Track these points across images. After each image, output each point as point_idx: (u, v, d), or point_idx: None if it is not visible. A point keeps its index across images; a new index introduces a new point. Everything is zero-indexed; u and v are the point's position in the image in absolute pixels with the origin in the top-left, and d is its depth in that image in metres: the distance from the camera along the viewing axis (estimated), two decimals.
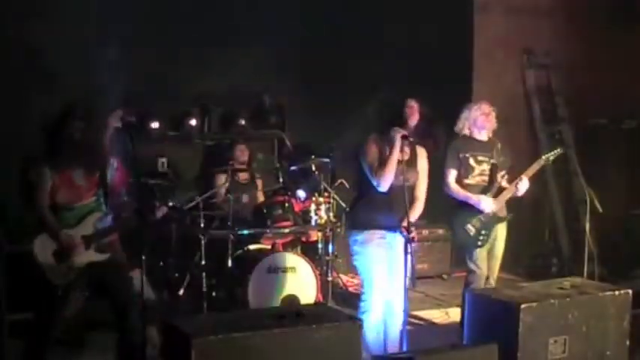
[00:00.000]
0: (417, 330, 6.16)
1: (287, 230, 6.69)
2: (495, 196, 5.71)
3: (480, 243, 5.69)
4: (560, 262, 8.42)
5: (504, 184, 5.76)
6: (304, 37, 7.85)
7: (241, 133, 7.74)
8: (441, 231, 8.00)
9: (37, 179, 4.70)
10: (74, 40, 7.01)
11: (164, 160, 7.59)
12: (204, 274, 6.29)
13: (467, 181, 5.72)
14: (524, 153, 7.98)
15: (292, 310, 4.09)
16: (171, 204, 5.05)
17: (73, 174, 4.71)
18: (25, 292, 4.87)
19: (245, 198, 6.95)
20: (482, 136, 5.78)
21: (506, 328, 4.30)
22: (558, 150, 5.94)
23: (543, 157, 5.87)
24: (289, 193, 6.86)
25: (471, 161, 5.71)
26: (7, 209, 5.99)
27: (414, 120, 5.02)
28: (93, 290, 5.69)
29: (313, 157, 6.97)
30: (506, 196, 5.71)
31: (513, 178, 5.74)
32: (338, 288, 7.31)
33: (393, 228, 4.95)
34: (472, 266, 5.73)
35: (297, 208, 6.82)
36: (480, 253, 5.72)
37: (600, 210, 6.50)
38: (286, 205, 6.70)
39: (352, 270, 7.69)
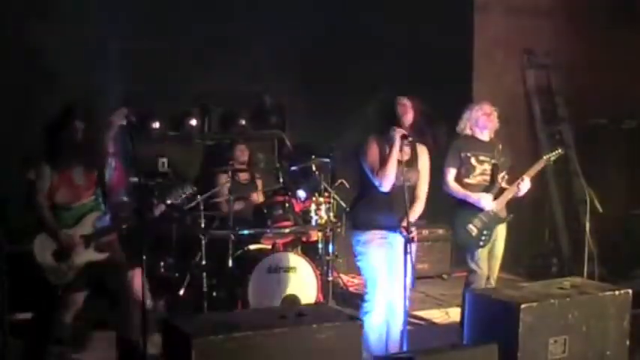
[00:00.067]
0: (417, 330, 6.16)
1: (287, 230, 6.69)
2: (496, 196, 5.71)
3: (481, 243, 5.69)
4: (561, 262, 8.42)
5: (504, 185, 5.76)
6: (304, 37, 7.85)
7: (241, 133, 7.74)
8: (441, 231, 8.00)
9: (36, 178, 4.70)
10: (74, 40, 7.02)
11: (164, 160, 7.59)
12: (204, 274, 6.29)
13: (468, 180, 5.72)
14: (525, 153, 7.99)
15: (293, 310, 4.09)
16: (169, 202, 5.05)
17: (72, 174, 4.72)
18: (26, 292, 4.88)
19: (240, 204, 6.94)
20: (484, 136, 5.79)
21: (507, 328, 4.30)
22: (559, 150, 5.95)
23: (544, 158, 5.88)
24: (289, 193, 6.86)
25: (473, 160, 5.71)
26: (7, 209, 6.00)
27: (408, 118, 5.01)
28: (92, 290, 5.70)
29: (313, 157, 6.97)
30: (507, 196, 5.72)
31: (514, 179, 5.74)
32: (338, 288, 7.31)
33: (393, 228, 4.95)
34: (473, 266, 5.73)
35: (297, 208, 6.82)
36: (481, 253, 5.72)
37: (600, 210, 6.51)
38: (286, 205, 6.70)
39: (352, 270, 7.71)
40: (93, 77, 7.05)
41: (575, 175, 8.33)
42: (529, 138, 8.87)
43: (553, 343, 4.38)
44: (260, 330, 3.73)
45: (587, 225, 6.50)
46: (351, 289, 7.53)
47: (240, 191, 7.13)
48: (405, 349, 4.88)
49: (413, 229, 4.94)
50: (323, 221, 6.76)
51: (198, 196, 6.45)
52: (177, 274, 6.83)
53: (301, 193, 7.01)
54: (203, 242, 6.32)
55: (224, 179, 6.89)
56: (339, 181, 7.14)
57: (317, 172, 6.96)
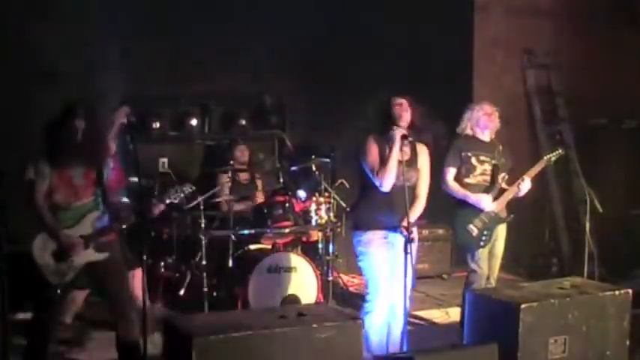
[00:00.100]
0: (417, 330, 6.16)
1: (287, 230, 6.69)
2: (496, 197, 5.71)
3: (482, 243, 5.69)
4: (561, 262, 8.43)
5: (504, 185, 5.76)
6: (304, 37, 7.85)
7: (242, 133, 7.75)
8: (441, 231, 8.00)
9: (35, 178, 4.70)
10: (74, 40, 7.03)
11: (165, 160, 7.60)
12: (204, 274, 6.29)
13: (468, 180, 5.73)
14: (525, 153, 8.00)
15: (293, 310, 4.09)
16: (167, 201, 5.04)
17: (71, 173, 4.71)
18: (26, 292, 4.88)
19: (240, 204, 6.94)
20: (485, 136, 5.79)
21: (507, 327, 4.30)
22: (560, 151, 5.95)
23: (545, 158, 5.88)
24: (290, 193, 6.86)
25: (473, 160, 5.72)
26: (7, 209, 6.00)
27: (406, 117, 5.00)
28: (92, 290, 5.70)
29: (313, 157, 6.98)
30: (508, 196, 5.72)
31: (513, 179, 5.74)
32: (338, 288, 7.32)
33: (394, 228, 4.95)
34: (474, 266, 5.73)
35: (297, 208, 6.82)
36: (482, 253, 5.73)
37: (600, 210, 6.51)
38: (287, 205, 6.71)
39: (353, 270, 7.72)
40: (93, 77, 7.06)
41: (575, 175, 8.33)
42: (529, 138, 8.88)
43: (553, 342, 4.38)
44: (260, 330, 3.73)
45: (587, 225, 6.50)
46: (351, 289, 7.53)
47: (241, 191, 7.13)
48: (405, 349, 4.88)
49: (414, 229, 4.96)
50: (323, 221, 6.77)
51: (199, 197, 6.47)
52: (177, 274, 6.83)
53: (301, 193, 7.01)
54: (203, 242, 6.32)
55: (224, 179, 6.89)
56: (339, 181, 7.15)
57: (317, 172, 6.97)
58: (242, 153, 7.31)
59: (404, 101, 5.04)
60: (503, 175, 5.76)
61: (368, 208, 5.08)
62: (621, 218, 8.13)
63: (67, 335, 5.88)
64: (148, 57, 7.41)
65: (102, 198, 4.81)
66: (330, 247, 6.94)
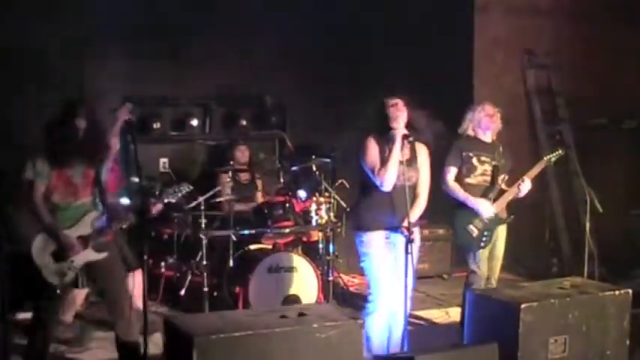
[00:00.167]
0: (417, 330, 6.17)
1: (288, 230, 6.70)
2: (496, 198, 5.72)
3: (482, 244, 5.70)
4: (561, 262, 8.43)
5: (504, 186, 5.77)
6: (304, 37, 7.86)
7: (242, 133, 7.75)
8: (441, 231, 8.00)
9: (34, 177, 4.70)
10: (74, 40, 7.03)
11: (165, 160, 7.61)
12: (205, 274, 6.30)
13: (468, 180, 5.73)
14: (525, 153, 8.00)
15: (294, 310, 4.09)
16: (166, 200, 5.05)
17: (70, 173, 4.71)
18: (27, 292, 4.89)
19: (241, 205, 6.95)
20: (487, 137, 5.80)
21: (507, 327, 4.31)
22: (560, 151, 5.95)
23: (545, 159, 5.89)
24: (290, 193, 6.87)
25: (474, 160, 5.72)
26: (7, 209, 6.01)
27: (402, 118, 5.01)
28: (92, 290, 5.71)
29: (314, 157, 6.98)
30: (508, 197, 5.73)
31: (514, 180, 5.75)
32: (339, 288, 7.32)
33: (395, 228, 4.96)
34: (474, 267, 5.74)
35: (297, 208, 6.83)
36: (482, 254, 5.73)
37: (600, 210, 6.52)
38: (287, 205, 6.71)
39: (353, 270, 7.74)
40: (93, 77, 7.06)
41: (575, 175, 8.34)
42: (529, 138, 8.88)
43: (553, 342, 4.38)
44: (261, 330, 3.74)
45: (587, 225, 6.51)
46: (351, 289, 7.54)
47: (241, 191, 7.14)
48: (405, 348, 4.89)
49: (416, 228, 4.96)
50: (323, 221, 6.77)
51: (199, 197, 6.48)
52: (178, 274, 6.84)
53: (302, 193, 7.02)
54: (204, 242, 6.33)
55: (225, 179, 6.89)
56: (340, 181, 7.15)
57: (317, 172, 6.97)
58: (242, 153, 7.31)
59: (399, 101, 5.04)
60: (503, 176, 5.77)
61: (369, 208, 5.08)
62: (621, 218, 8.14)
63: (68, 335, 5.88)
64: (148, 57, 7.41)
65: (100, 198, 4.82)
66: (331, 247, 6.94)
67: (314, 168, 6.98)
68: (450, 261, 8.15)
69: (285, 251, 6.54)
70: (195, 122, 7.70)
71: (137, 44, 7.36)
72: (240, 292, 6.27)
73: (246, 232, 6.55)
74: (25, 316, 5.80)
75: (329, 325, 3.86)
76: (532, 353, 4.30)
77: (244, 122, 7.84)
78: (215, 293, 6.50)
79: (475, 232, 5.68)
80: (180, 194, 5.12)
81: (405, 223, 4.83)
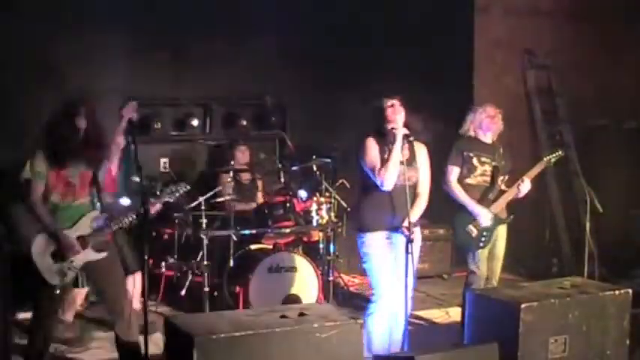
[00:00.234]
0: (417, 329, 6.18)
1: (288, 230, 6.71)
2: (496, 198, 5.72)
3: (481, 244, 5.70)
4: (561, 262, 8.43)
5: (504, 187, 5.77)
6: (304, 37, 7.86)
7: (243, 133, 7.76)
8: (441, 231, 8.00)
9: (32, 177, 4.70)
10: (74, 40, 7.03)
11: (166, 160, 7.62)
12: (206, 273, 6.31)
13: (468, 180, 5.74)
14: (525, 153, 8.01)
15: (294, 309, 4.10)
16: (164, 200, 5.05)
17: (69, 172, 4.71)
18: (27, 292, 4.89)
19: (242, 204, 6.96)
20: (487, 138, 5.80)
21: (507, 327, 4.31)
22: (559, 152, 5.95)
23: (545, 159, 5.89)
24: (291, 193, 6.87)
25: (475, 161, 5.73)
26: (7, 208, 6.02)
27: (399, 118, 5.01)
28: (91, 289, 5.71)
29: (314, 157, 6.99)
30: (507, 197, 5.73)
31: (513, 180, 5.75)
32: (339, 288, 7.33)
33: (396, 228, 4.97)
34: (473, 267, 5.74)
35: (298, 208, 6.83)
36: (481, 254, 5.73)
37: (600, 210, 6.52)
38: (288, 205, 6.72)
39: (353, 270, 7.75)
40: (93, 77, 7.06)
41: (575, 175, 8.34)
42: (529, 138, 8.89)
43: (553, 342, 4.39)
44: (261, 330, 3.74)
45: (587, 225, 6.51)
46: (351, 288, 7.55)
47: (242, 191, 7.15)
48: (405, 348, 4.89)
49: (417, 228, 4.96)
50: (324, 221, 6.78)
51: (200, 197, 6.49)
52: (178, 274, 6.84)
53: (302, 193, 7.02)
54: (204, 242, 6.33)
55: (226, 179, 6.90)
56: (340, 181, 7.16)
57: (318, 172, 6.98)
58: (243, 153, 7.32)
59: (395, 102, 5.04)
60: (502, 177, 5.77)
61: (369, 209, 5.08)
62: (621, 218, 8.14)
63: (68, 335, 5.89)
64: (148, 57, 7.41)
65: (98, 198, 4.82)
66: (331, 247, 6.95)
67: (314, 168, 6.98)
68: (450, 261, 8.15)
69: (285, 251, 6.55)
70: (195, 122, 7.71)
71: (137, 44, 7.36)
72: (240, 292, 6.28)
73: (246, 232, 6.55)
74: (25, 316, 5.81)
75: (329, 325, 3.86)
76: (532, 353, 4.31)
77: (245, 122, 7.85)
78: (215, 293, 6.50)
79: (474, 232, 5.69)
80: (178, 194, 5.12)
81: (406, 223, 4.84)
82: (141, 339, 4.67)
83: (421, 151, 5.17)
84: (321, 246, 6.93)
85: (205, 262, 6.32)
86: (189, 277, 6.70)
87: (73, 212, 4.75)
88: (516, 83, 9.02)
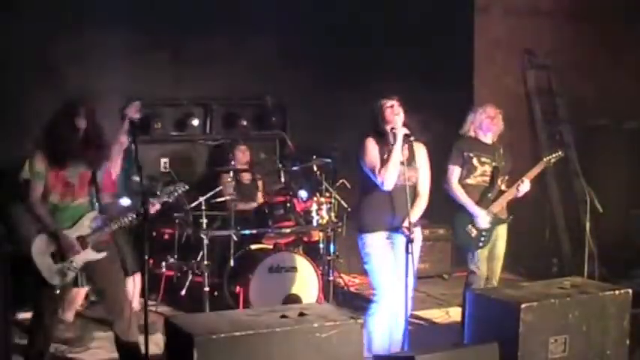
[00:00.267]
0: (418, 329, 6.18)
1: (289, 230, 6.71)
2: (495, 198, 5.73)
3: (481, 244, 5.71)
4: (561, 262, 8.43)
5: (504, 187, 5.78)
6: (304, 37, 7.87)
7: (243, 133, 7.76)
8: (441, 231, 8.00)
9: (31, 177, 4.71)
10: (74, 40, 7.04)
11: (166, 160, 7.62)
12: (206, 273, 6.31)
13: (468, 180, 5.74)
14: (525, 153, 8.01)
15: (294, 309, 4.10)
16: (163, 200, 5.05)
17: (68, 173, 4.71)
18: (28, 291, 4.90)
19: (243, 204, 6.97)
20: (487, 138, 5.80)
21: (507, 327, 4.31)
22: (559, 153, 5.95)
23: (544, 160, 5.89)
24: (291, 193, 6.88)
25: (475, 161, 5.73)
26: (8, 209, 6.02)
27: (398, 119, 5.01)
28: (91, 289, 5.70)
29: (315, 157, 6.99)
30: (507, 197, 5.73)
31: (513, 181, 5.76)
32: (339, 288, 7.33)
33: (397, 228, 4.97)
34: (473, 267, 5.75)
35: (298, 208, 6.83)
36: (481, 254, 5.74)
37: (600, 210, 6.53)
38: (288, 205, 6.72)
39: (354, 270, 7.76)
40: (93, 77, 7.07)
41: (576, 175, 8.34)
42: (529, 138, 8.89)
43: (553, 342, 4.39)
44: (262, 329, 3.74)
45: (587, 225, 6.52)
46: (352, 288, 7.55)
47: (243, 191, 7.15)
48: (406, 348, 4.90)
49: (417, 228, 4.96)
50: (324, 221, 6.78)
51: (200, 197, 6.49)
52: (179, 274, 6.85)
53: (303, 193, 7.02)
54: (205, 242, 6.33)
55: (227, 179, 6.90)
56: (341, 181, 7.16)
57: (318, 172, 6.98)
58: (243, 153, 7.32)
59: (394, 103, 5.04)
60: (502, 177, 5.77)
61: (369, 209, 5.08)
62: (621, 218, 8.14)
63: (69, 335, 5.90)
64: (148, 57, 7.42)
65: (96, 198, 4.82)
66: (331, 247, 6.95)
67: (315, 168, 6.99)
68: (450, 261, 8.15)
69: (286, 251, 6.55)
70: (195, 122, 7.71)
71: (137, 44, 7.37)
72: (240, 292, 6.28)
73: (247, 231, 6.55)
74: (26, 316, 5.81)
75: (329, 324, 3.86)
76: (532, 353, 4.31)
77: (245, 122, 7.85)
78: (216, 293, 6.51)
79: (474, 232, 5.69)
80: (176, 193, 5.12)
81: (406, 223, 4.84)
82: (140, 339, 4.67)
83: (420, 152, 5.17)
84: (321, 246, 6.93)
85: (206, 262, 6.32)
86: (190, 277, 6.71)
87: (73, 212, 4.75)
88: (516, 83, 9.02)
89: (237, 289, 6.34)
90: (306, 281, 6.38)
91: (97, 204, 4.82)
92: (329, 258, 6.92)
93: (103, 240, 4.83)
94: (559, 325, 4.41)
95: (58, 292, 4.73)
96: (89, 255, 4.75)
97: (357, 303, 6.81)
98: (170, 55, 7.55)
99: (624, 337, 4.66)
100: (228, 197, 6.68)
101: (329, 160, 6.98)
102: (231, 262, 6.45)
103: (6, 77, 6.78)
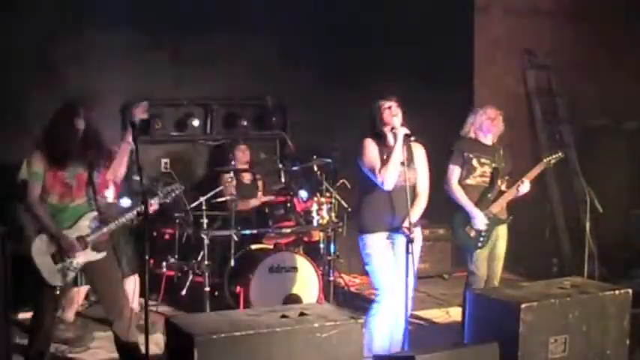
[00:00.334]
0: (418, 329, 6.19)
1: (289, 230, 6.71)
2: (495, 199, 5.73)
3: (480, 244, 5.71)
4: (561, 262, 8.44)
5: (504, 188, 5.78)
6: (304, 37, 7.87)
7: (244, 133, 7.76)
8: (441, 231, 8.00)
9: (29, 178, 4.71)
10: (74, 40, 7.04)
11: (167, 160, 7.62)
12: (206, 273, 6.31)
13: (467, 181, 5.74)
14: (525, 153, 8.01)
15: (295, 309, 4.10)
16: (160, 201, 5.05)
17: (66, 174, 4.71)
18: (29, 291, 4.90)
19: (244, 204, 6.97)
20: (487, 140, 5.81)
21: (507, 327, 4.31)
22: (559, 154, 5.95)
23: (544, 161, 5.89)
24: (291, 193, 6.88)
25: (474, 162, 5.73)
26: (8, 209, 6.02)
27: (398, 120, 5.00)
28: (90, 289, 5.70)
29: (315, 157, 6.99)
30: (507, 198, 5.74)
31: (513, 182, 5.76)
32: (340, 288, 7.34)
33: (397, 229, 4.97)
34: (472, 268, 5.75)
35: (299, 208, 6.83)
36: (480, 255, 5.74)
37: (600, 210, 6.53)
38: (288, 205, 6.73)
39: (354, 270, 7.76)
40: (93, 77, 7.07)
41: (576, 175, 8.34)
42: (529, 138, 8.89)
43: (553, 342, 4.39)
44: (262, 329, 3.74)
45: (587, 225, 6.52)
46: (352, 289, 7.55)
47: (244, 191, 7.15)
48: (406, 348, 4.90)
49: (417, 228, 4.96)
50: (324, 221, 6.78)
51: (201, 197, 6.49)
52: (179, 274, 6.85)
53: (303, 193, 7.03)
54: (205, 242, 6.34)
55: (227, 179, 6.91)
56: (341, 181, 7.16)
57: (318, 173, 6.98)
58: (243, 152, 7.32)
59: (392, 104, 5.05)
60: (502, 179, 5.78)
61: (370, 210, 5.09)
62: (621, 218, 8.14)
63: (69, 334, 5.90)
64: (149, 57, 7.42)
65: (93, 199, 4.82)
66: (332, 247, 6.95)
67: (315, 168, 6.99)
68: (450, 261, 8.16)
69: (286, 251, 6.56)
70: (196, 122, 7.71)
71: (137, 44, 7.37)
72: (241, 292, 6.28)
73: (247, 232, 6.55)
74: (26, 316, 5.82)
75: (329, 324, 3.86)
76: (532, 353, 4.31)
77: (245, 122, 7.85)
78: (216, 293, 6.52)
79: (473, 233, 5.70)
80: (173, 194, 5.12)
81: (406, 224, 4.84)
82: (140, 339, 4.68)
83: (418, 152, 5.17)
84: (321, 246, 6.93)
85: (206, 262, 6.33)
86: (190, 277, 6.71)
87: (72, 213, 4.76)
88: (516, 83, 9.02)
89: (238, 289, 6.34)
90: (306, 281, 6.38)
91: (94, 205, 4.82)
92: (329, 258, 6.92)
93: (102, 240, 4.83)
94: (559, 325, 4.41)
95: (57, 292, 4.74)
96: (89, 255, 4.76)
97: (358, 303, 6.82)
98: (170, 55, 7.55)
99: (624, 337, 4.66)
100: (228, 197, 6.68)
101: (329, 160, 6.98)
102: (232, 262, 6.45)
103: (6, 77, 6.78)
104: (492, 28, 8.81)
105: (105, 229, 4.81)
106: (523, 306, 4.29)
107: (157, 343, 5.30)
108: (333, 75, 7.90)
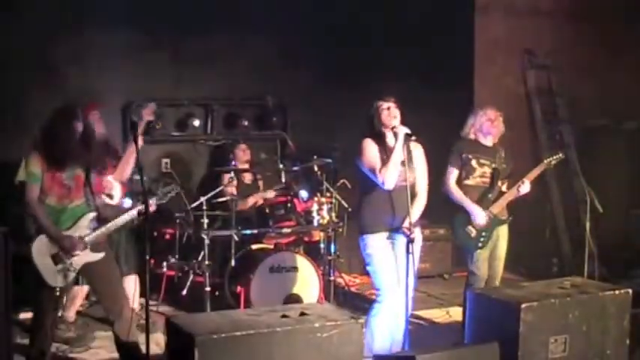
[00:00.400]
0: (418, 329, 6.19)
1: (289, 230, 6.72)
2: (496, 199, 5.73)
3: (480, 245, 5.71)
4: (561, 262, 8.44)
5: (504, 189, 5.78)
6: (304, 37, 7.87)
7: (244, 133, 7.77)
8: (442, 231, 8.00)
9: (27, 179, 4.71)
10: (74, 40, 7.04)
11: (167, 160, 7.62)
12: (207, 273, 6.32)
13: (467, 181, 5.75)
14: (525, 153, 8.02)
15: (295, 309, 4.10)
16: (157, 202, 5.05)
17: (64, 175, 4.71)
18: (29, 291, 4.90)
19: (244, 204, 6.97)
20: (488, 141, 5.81)
21: (507, 327, 4.32)
22: (560, 155, 5.95)
23: (545, 161, 5.89)
24: (292, 193, 6.88)
25: (473, 162, 5.73)
26: (9, 209, 6.02)
27: (397, 121, 5.01)
28: (90, 289, 5.70)
29: (315, 157, 6.99)
30: (507, 198, 5.74)
31: (514, 182, 5.76)
32: (340, 288, 7.34)
33: (397, 229, 4.98)
34: (473, 268, 5.75)
35: (299, 208, 6.84)
36: (481, 255, 5.74)
37: (600, 210, 6.53)
38: (289, 205, 6.73)
39: (354, 270, 7.77)
40: (93, 77, 7.07)
41: (576, 175, 8.34)
42: (530, 138, 8.89)
43: (553, 342, 4.39)
44: (262, 329, 3.75)
45: (587, 225, 6.52)
46: (352, 289, 7.56)
47: (245, 191, 7.16)
48: (406, 348, 4.90)
49: (417, 228, 4.96)
50: (325, 221, 6.78)
51: (201, 197, 6.50)
52: (180, 274, 6.85)
53: (303, 193, 7.03)
54: (206, 242, 6.34)
55: (227, 179, 6.91)
56: (341, 181, 7.16)
57: (319, 173, 6.99)
58: (244, 152, 7.32)
59: (391, 105, 5.05)
60: (502, 180, 5.78)
61: (370, 210, 5.09)
62: (621, 218, 8.15)
63: (70, 334, 5.90)
64: (149, 57, 7.42)
65: (91, 200, 4.82)
66: (332, 247, 6.95)
67: (315, 168, 6.99)
68: (450, 261, 8.16)
69: (286, 251, 6.56)
70: (196, 123, 7.71)
71: (137, 44, 7.37)
72: (241, 292, 6.29)
73: (248, 231, 6.56)
74: (27, 315, 5.82)
75: (330, 324, 3.87)
76: (532, 353, 4.31)
77: (246, 122, 7.86)
78: (217, 293, 6.52)
79: (473, 233, 5.70)
80: (169, 195, 5.13)
81: (406, 224, 4.84)
82: (141, 339, 4.68)
83: (417, 151, 5.18)
84: (322, 246, 6.94)
85: (207, 262, 6.33)
86: (191, 276, 6.71)
87: (71, 214, 4.76)
88: (516, 83, 9.03)
89: (238, 288, 6.35)
90: (306, 281, 6.38)
91: (92, 205, 4.82)
92: (330, 258, 6.92)
93: (101, 241, 4.84)
94: (559, 325, 4.42)
95: (58, 292, 4.74)
96: (88, 256, 4.76)
97: (358, 303, 6.82)
98: (170, 55, 7.55)
99: (624, 337, 4.66)
100: (229, 197, 6.69)
101: (329, 160, 6.99)
102: (232, 262, 6.45)
103: (6, 77, 6.78)
104: (492, 28, 8.81)
105: (103, 230, 4.81)
106: (523, 306, 4.29)
107: (158, 342, 5.30)
108: (333, 75, 7.90)
